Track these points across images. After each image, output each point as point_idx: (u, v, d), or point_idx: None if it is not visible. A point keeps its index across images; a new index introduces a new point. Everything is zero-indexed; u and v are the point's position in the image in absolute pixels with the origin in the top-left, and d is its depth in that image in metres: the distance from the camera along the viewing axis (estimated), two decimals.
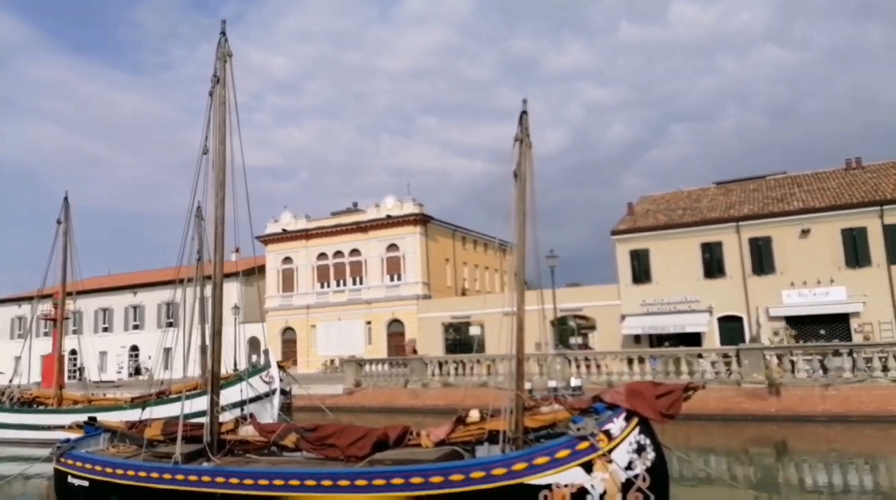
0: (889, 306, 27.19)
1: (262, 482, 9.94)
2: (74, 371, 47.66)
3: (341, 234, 48.23)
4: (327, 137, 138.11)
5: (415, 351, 41.66)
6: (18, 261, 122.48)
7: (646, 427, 8.96)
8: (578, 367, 24.26)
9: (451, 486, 8.71)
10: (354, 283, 47.73)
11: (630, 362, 25.64)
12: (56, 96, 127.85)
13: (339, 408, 25.21)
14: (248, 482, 10.03)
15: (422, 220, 45.70)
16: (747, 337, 30.05)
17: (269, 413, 21.14)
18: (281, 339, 49.59)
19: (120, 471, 11.25)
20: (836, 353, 19.52)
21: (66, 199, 25.11)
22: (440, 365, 27.18)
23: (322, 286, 49.02)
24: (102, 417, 15.98)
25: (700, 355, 24.11)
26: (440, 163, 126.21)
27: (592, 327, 35.87)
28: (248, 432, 12.46)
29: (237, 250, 62.52)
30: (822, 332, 28.12)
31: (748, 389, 20.02)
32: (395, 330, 45.51)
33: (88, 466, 11.65)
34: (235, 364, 40.96)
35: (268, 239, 51.42)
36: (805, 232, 29.37)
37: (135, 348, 55.43)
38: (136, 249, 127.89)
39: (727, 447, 17.88)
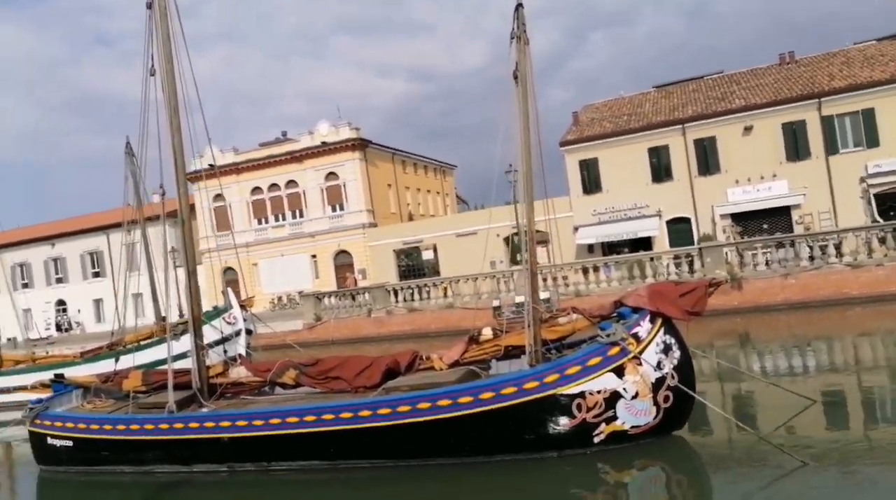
0: (827, 196, 28.52)
1: (274, 420, 9.33)
2: None
3: (275, 165, 45.91)
4: (234, 64, 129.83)
5: (355, 282, 41.04)
6: None
7: (670, 327, 8.85)
8: (545, 280, 24.34)
9: (480, 405, 8.38)
10: (294, 216, 45.99)
11: (585, 271, 26.07)
12: None
13: (303, 344, 24.59)
14: (258, 422, 9.40)
15: (360, 145, 43.98)
16: (695, 237, 31.06)
17: (235, 353, 20.27)
18: (223, 280, 47.72)
19: (108, 426, 10.36)
20: (792, 243, 20.32)
21: None
22: (398, 291, 26.74)
23: (260, 222, 47.07)
24: (68, 372, 14.79)
25: (657, 258, 24.72)
26: (358, 85, 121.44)
27: (545, 241, 36.15)
28: (239, 373, 11.69)
29: (163, 192, 59.06)
30: (766, 226, 29.34)
31: None
32: (343, 261, 44.54)
33: (70, 425, 10.68)
34: (181, 310, 39.17)
35: (194, 176, 48.32)
36: (748, 129, 30.01)
37: (61, 303, 52.18)
38: (39, 202, 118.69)
39: (696, 342, 18.59)
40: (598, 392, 8.21)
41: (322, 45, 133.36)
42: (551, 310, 23.44)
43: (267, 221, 46.75)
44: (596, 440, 8.32)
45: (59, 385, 12.22)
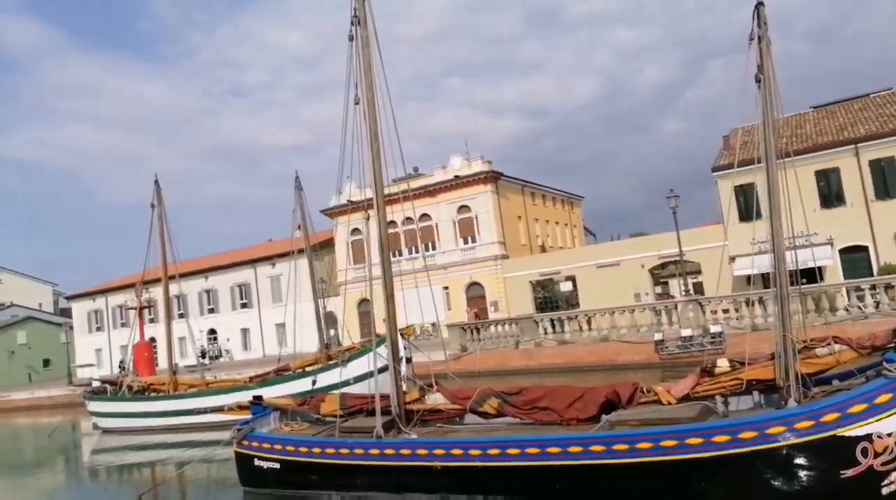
0: None
1: (493, 451, 8.86)
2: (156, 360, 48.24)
3: (406, 201, 46.97)
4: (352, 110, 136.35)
5: (477, 316, 40.52)
6: (78, 263, 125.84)
7: None
8: (714, 313, 22.62)
9: (739, 445, 7.42)
10: (427, 249, 46.69)
11: (746, 304, 23.95)
12: (85, 95, 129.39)
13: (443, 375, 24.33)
14: (475, 451, 8.96)
15: (492, 177, 44.12)
16: (874, 267, 27.92)
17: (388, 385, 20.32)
18: (357, 311, 49.17)
19: (317, 450, 10.36)
20: None
21: (156, 182, 24.46)
22: (553, 323, 25.89)
23: (394, 255, 48.10)
24: (254, 396, 15.28)
25: (837, 291, 22.33)
26: (469, 124, 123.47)
27: (697, 272, 34.00)
28: (436, 399, 11.42)
29: (299, 227, 61.03)
30: None
31: None
32: (475, 293, 44.45)
33: (278, 447, 10.81)
34: (328, 340, 40.69)
35: (333, 212, 50.74)
36: None
37: (212, 332, 55.82)
38: (184, 241, 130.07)
39: None
40: (889, 435, 7.03)
41: (433, 89, 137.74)
42: (722, 344, 21.71)
43: (401, 254, 47.72)
44: (885, 490, 7.10)
45: (258, 408, 12.54)
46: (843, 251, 28.63)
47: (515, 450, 8.67)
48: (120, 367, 47.20)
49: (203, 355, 52.04)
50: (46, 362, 63.51)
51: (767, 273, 30.29)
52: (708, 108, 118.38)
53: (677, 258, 33.44)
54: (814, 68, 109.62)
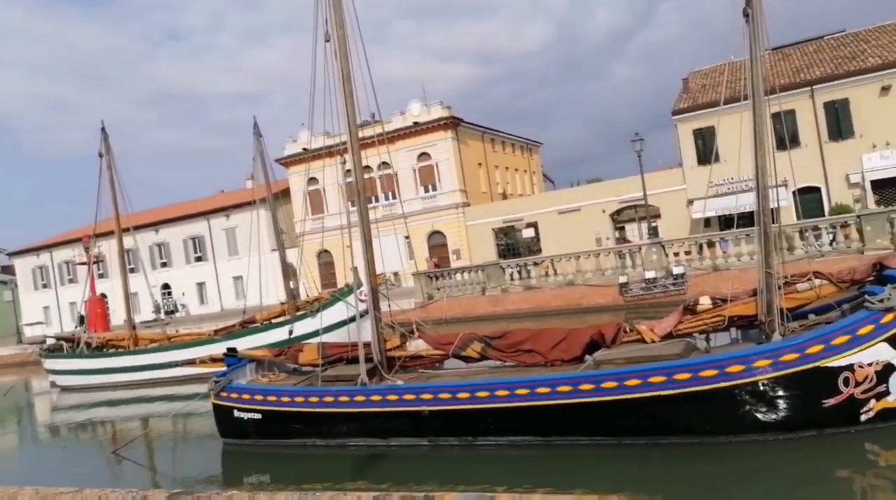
0: None
1: (481, 394, 8.86)
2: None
3: (367, 147, 45.95)
4: (298, 54, 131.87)
5: (436, 265, 40.50)
6: (14, 219, 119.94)
7: None
8: (676, 255, 23.08)
9: (726, 379, 7.59)
10: (387, 198, 46.06)
11: (701, 248, 24.45)
12: (11, 40, 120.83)
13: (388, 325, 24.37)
14: (463, 395, 8.96)
15: (452, 123, 43.44)
16: (826, 207, 28.92)
17: (367, 332, 20.21)
18: (318, 262, 48.58)
19: (299, 399, 10.21)
20: None
21: (103, 129, 23.14)
22: (519, 269, 26.03)
23: (353, 204, 47.38)
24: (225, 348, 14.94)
25: (794, 230, 23.04)
26: (420, 71, 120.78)
27: (655, 216, 34.61)
28: (418, 346, 11.37)
29: (252, 177, 59.35)
30: None
31: (873, 256, 19.00)
32: (437, 242, 44.37)
33: (259, 397, 10.60)
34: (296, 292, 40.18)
35: (288, 161, 49.41)
36: (885, 89, 27.52)
37: (166, 287, 54.39)
38: (128, 193, 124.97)
39: None
40: (870, 365, 7.27)
41: (384, 31, 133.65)
42: (684, 285, 22.23)
43: None
44: (863, 417, 7.40)
45: (232, 359, 12.22)
46: (798, 192, 29.46)
47: (504, 391, 8.69)
48: (80, 322, 45.40)
49: (158, 310, 50.76)
50: None
51: (723, 215, 31.17)
52: (659, 52, 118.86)
53: (637, 203, 33.93)
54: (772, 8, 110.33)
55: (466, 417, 8.98)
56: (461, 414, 9.00)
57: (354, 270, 23.33)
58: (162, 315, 52.16)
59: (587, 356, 9.29)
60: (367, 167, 46.83)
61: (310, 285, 32.94)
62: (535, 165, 57.93)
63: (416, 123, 43.92)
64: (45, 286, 56.98)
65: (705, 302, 9.17)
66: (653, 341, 9.01)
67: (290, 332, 13.73)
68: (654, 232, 26.42)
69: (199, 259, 51.92)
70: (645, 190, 27.39)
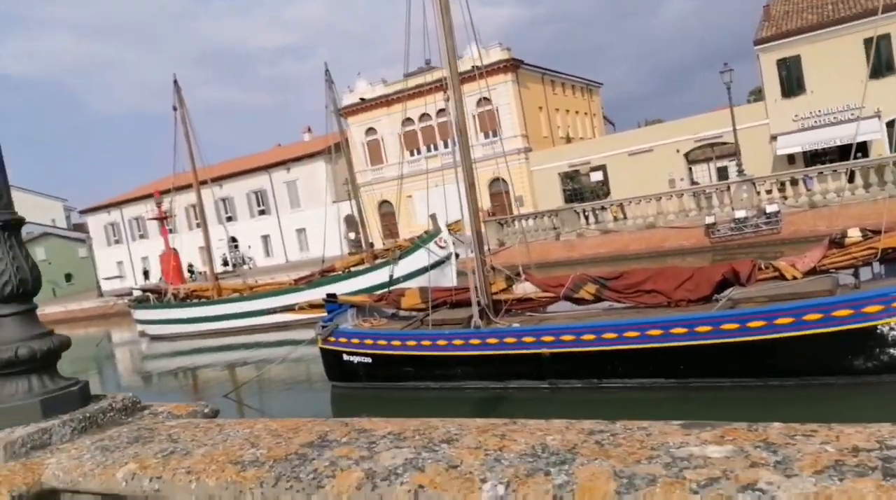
0: None
1: (609, 335, 8.52)
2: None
3: (425, 95, 45.18)
4: (341, 5, 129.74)
5: (492, 214, 39.69)
6: (81, 177, 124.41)
7: None
8: (769, 192, 21.85)
9: (874, 318, 6.99)
10: (446, 145, 45.39)
11: (782, 185, 22.91)
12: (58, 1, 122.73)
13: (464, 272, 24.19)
14: (588, 336, 8.62)
15: (512, 66, 42.07)
16: None
17: (448, 279, 20.09)
18: (378, 213, 48.66)
19: (412, 342, 10.09)
20: None
21: (175, 82, 23.12)
22: (595, 212, 25.29)
23: (412, 154, 46.98)
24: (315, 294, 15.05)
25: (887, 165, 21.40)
26: (466, 16, 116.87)
27: (732, 154, 32.98)
28: (525, 289, 11.01)
29: (309, 130, 59.86)
30: None
31: None
32: (498, 189, 43.67)
33: (369, 341, 10.55)
34: (354, 241, 40.66)
35: (346, 111, 49.01)
36: None
37: (233, 240, 55.64)
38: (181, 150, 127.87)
39: None
40: None
41: None
42: (778, 224, 21.12)
43: (419, 152, 46.61)
44: None
45: (333, 305, 12.22)
46: (891, 124, 27.47)
47: (634, 332, 8.32)
48: (189, 271, 47.03)
49: (227, 263, 52.19)
50: (68, 277, 64.19)
51: (810, 151, 29.36)
52: None
53: (715, 141, 32.35)
54: None
55: (591, 359, 8.68)
56: (586, 356, 8.70)
57: (433, 216, 23.25)
58: (230, 267, 53.76)
59: (716, 296, 8.80)
60: (426, 115, 46.30)
61: (373, 236, 32.95)
62: (596, 107, 55.99)
63: (475, 67, 42.57)
64: (117, 242, 59.19)
65: (854, 234, 8.46)
66: (794, 278, 8.42)
67: (391, 276, 13.58)
68: (739, 171, 25.07)
69: (262, 212, 52.78)
70: (734, 121, 25.91)
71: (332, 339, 11.07)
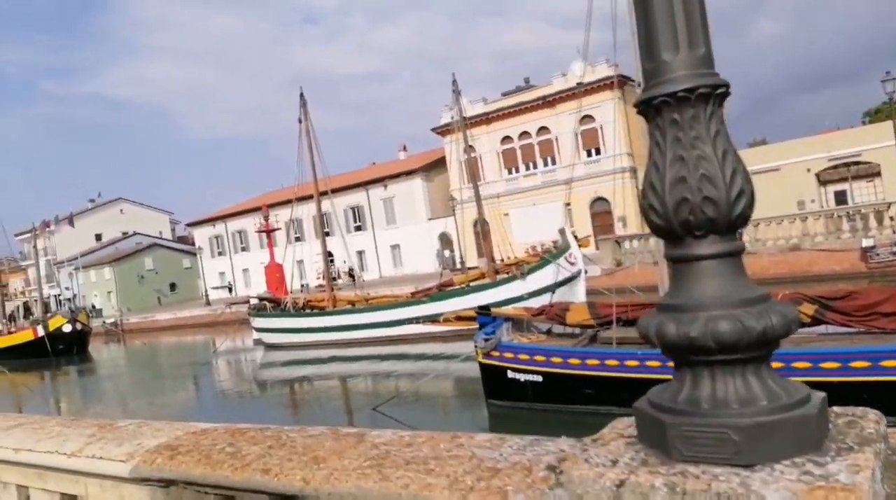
0: None
1: (829, 364, 7.33)
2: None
3: (525, 112, 44.63)
4: (423, 30, 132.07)
5: (576, 237, 37.49)
6: (181, 194, 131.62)
7: None
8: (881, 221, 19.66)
9: None
10: (546, 164, 44.56)
11: None
12: (160, 29, 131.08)
13: (594, 291, 22.92)
14: (830, 365, 7.44)
15: (619, 82, 40.69)
16: None
17: (575, 297, 19.09)
18: (473, 231, 48.18)
19: (593, 361, 9.17)
20: None
21: (301, 95, 23.51)
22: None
23: (510, 172, 46.38)
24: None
25: None
26: (544, 39, 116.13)
27: (875, 174, 30.36)
28: None
29: (405, 148, 60.31)
30: None
31: None
32: (600, 209, 42.34)
33: (540, 358, 9.70)
34: (445, 260, 40.34)
35: (444, 129, 49.11)
36: None
37: (329, 254, 56.55)
38: (273, 171, 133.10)
39: None
40: None
41: (504, 1, 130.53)
42: None
43: (518, 171, 45.96)
44: None
45: (485, 317, 11.51)
46: None
47: (864, 363, 7.08)
48: (351, 274, 48.12)
49: (338, 276, 53.12)
50: (173, 286, 67.20)
51: None
52: (807, 6, 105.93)
53: (852, 159, 29.88)
54: None
55: (845, 390, 7.47)
56: (841, 387, 7.50)
57: (562, 231, 22.36)
58: (339, 280, 54.51)
59: None
60: (525, 133, 45.71)
61: (467, 255, 32.47)
62: None
63: (579, 84, 41.69)
64: (220, 254, 61.49)
65: None
66: None
67: (553, 292, 12.74)
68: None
69: (358, 228, 53.46)
70: None
71: (496, 353, 10.32)
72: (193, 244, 66.58)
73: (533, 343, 10.31)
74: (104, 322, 45.53)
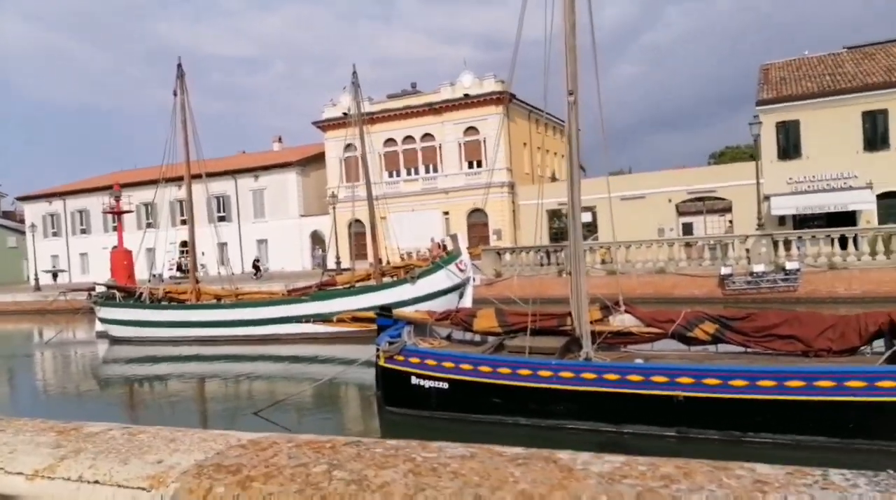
0: None
1: (765, 382, 7.50)
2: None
3: (411, 117, 44.31)
4: (303, 23, 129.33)
5: (442, 247, 38.42)
6: (10, 165, 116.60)
7: None
8: (788, 249, 21.75)
9: None
10: (427, 170, 44.49)
11: (776, 245, 22.89)
12: None
13: (483, 300, 23.10)
14: (739, 382, 7.59)
15: (505, 99, 41.77)
16: None
17: (462, 305, 18.77)
18: (348, 232, 46.91)
19: (504, 370, 8.78)
20: None
21: (179, 65, 21.30)
22: (609, 249, 24.65)
23: (391, 175, 45.74)
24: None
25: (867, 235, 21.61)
26: (425, 51, 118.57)
27: (726, 210, 33.41)
28: (624, 321, 9.95)
29: (280, 140, 58.21)
30: None
31: None
32: (477, 220, 42.93)
33: (449, 364, 9.15)
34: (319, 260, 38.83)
35: (326, 124, 47.56)
36: None
37: (184, 244, 52.40)
38: (126, 148, 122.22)
39: None
40: None
41: (389, 7, 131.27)
42: (796, 281, 20.92)
43: (399, 174, 45.45)
44: None
45: (385, 319, 10.80)
46: (881, 196, 28.34)
47: (798, 382, 7.33)
48: (256, 266, 43.55)
49: (179, 267, 48.90)
50: None
51: (799, 215, 29.85)
52: (664, 51, 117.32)
53: (707, 194, 32.69)
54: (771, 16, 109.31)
55: (737, 407, 7.62)
56: (730, 403, 7.63)
57: (454, 236, 22.01)
58: (178, 273, 50.30)
59: (866, 347, 7.99)
60: (410, 138, 45.35)
61: (341, 255, 31.42)
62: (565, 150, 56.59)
63: (466, 95, 42.23)
64: (55, 234, 54.71)
65: None
66: None
67: (461, 295, 12.21)
68: (760, 225, 25.24)
69: (222, 219, 49.97)
70: (758, 174, 25.92)
71: (400, 357, 9.61)
72: (22, 222, 58.76)
73: (440, 349, 9.73)
74: None
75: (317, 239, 48.41)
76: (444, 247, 39.24)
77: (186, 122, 20.93)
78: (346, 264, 42.80)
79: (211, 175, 50.11)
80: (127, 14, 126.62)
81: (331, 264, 43.21)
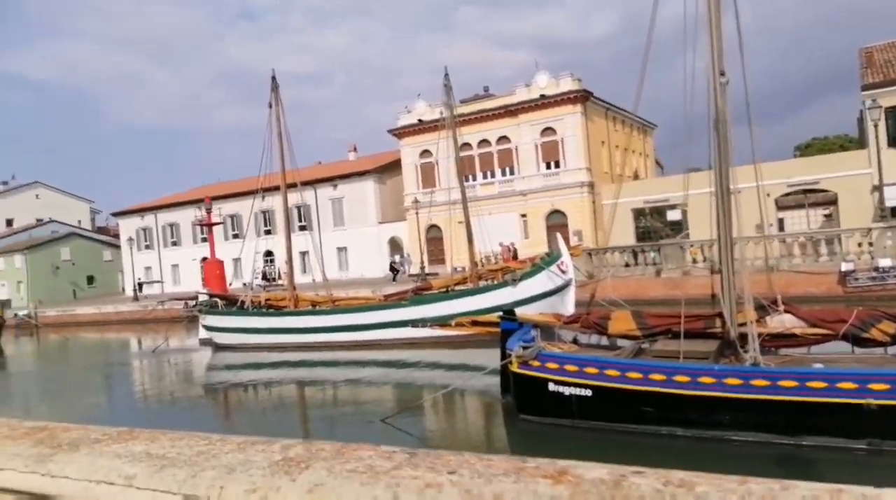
0: None
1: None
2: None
3: (486, 120, 43.91)
4: (364, 38, 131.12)
5: (515, 255, 37.24)
6: (102, 183, 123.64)
7: None
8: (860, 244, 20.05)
9: None
10: (504, 173, 43.95)
11: None
12: (89, 13, 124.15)
13: (580, 303, 22.33)
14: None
15: (582, 97, 40.81)
16: None
17: (566, 307, 18.18)
18: (425, 237, 46.95)
19: (657, 376, 8.17)
20: None
21: (273, 78, 21.69)
22: (702, 249, 23.51)
23: (467, 179, 45.38)
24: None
25: None
26: (482, 57, 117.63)
27: (829, 203, 31.35)
28: (784, 322, 9.20)
29: (355, 149, 58.46)
30: None
31: None
32: (556, 222, 42.00)
33: (592, 370, 8.61)
34: (398, 265, 38.92)
35: (402, 132, 47.80)
36: None
37: (269, 254, 53.85)
38: (196, 166, 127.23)
39: None
40: None
41: (449, 17, 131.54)
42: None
43: (475, 179, 45.12)
44: None
45: (510, 323, 10.38)
46: None
47: None
48: (265, 277, 45.25)
49: (264, 276, 50.24)
50: (90, 279, 62.37)
51: None
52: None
53: (810, 187, 30.77)
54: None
55: None
56: None
57: (556, 236, 21.45)
58: (263, 282, 51.63)
59: None
60: (485, 141, 44.99)
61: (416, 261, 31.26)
62: (650, 149, 54.86)
63: (542, 96, 41.49)
64: (147, 247, 57.39)
65: None
66: None
67: (591, 299, 11.71)
68: (882, 216, 23.64)
69: (303, 228, 51.03)
70: (881, 165, 24.13)
71: (536, 362, 9.16)
72: (116, 236, 62.00)
73: (581, 353, 9.23)
74: (16, 314, 41.20)
75: (395, 245, 48.76)
76: (514, 251, 38.68)
77: (282, 132, 21.24)
78: (415, 269, 42.86)
79: (291, 185, 51.61)
80: (197, 40, 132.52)
81: (414, 270, 43.40)
